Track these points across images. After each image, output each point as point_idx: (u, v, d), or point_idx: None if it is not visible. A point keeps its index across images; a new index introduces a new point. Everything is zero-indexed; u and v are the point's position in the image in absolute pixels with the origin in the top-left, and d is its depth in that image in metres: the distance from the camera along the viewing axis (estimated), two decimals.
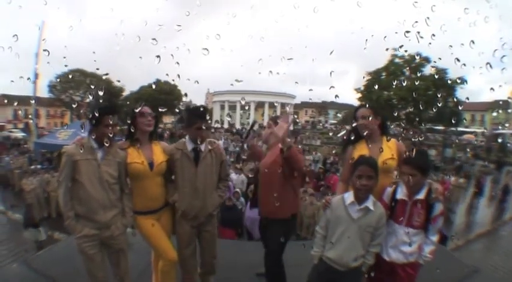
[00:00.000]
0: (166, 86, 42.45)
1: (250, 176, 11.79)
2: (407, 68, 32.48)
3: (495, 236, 12.38)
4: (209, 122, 3.53)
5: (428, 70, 31.04)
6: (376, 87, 34.04)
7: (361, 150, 3.26)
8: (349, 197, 2.92)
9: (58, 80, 41.22)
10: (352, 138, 3.42)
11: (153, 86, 45.11)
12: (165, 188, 3.48)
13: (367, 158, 2.94)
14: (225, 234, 8.32)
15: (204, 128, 3.37)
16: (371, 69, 35.01)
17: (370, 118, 3.25)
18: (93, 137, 3.03)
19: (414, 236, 2.91)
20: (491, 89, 3.27)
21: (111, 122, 3.00)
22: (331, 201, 3.03)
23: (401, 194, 2.95)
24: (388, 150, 3.23)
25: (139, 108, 3.31)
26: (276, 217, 3.57)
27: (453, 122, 30.38)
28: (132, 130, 3.34)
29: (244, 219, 9.00)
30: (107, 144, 3.01)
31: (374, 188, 2.84)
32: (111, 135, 3.01)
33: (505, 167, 23.04)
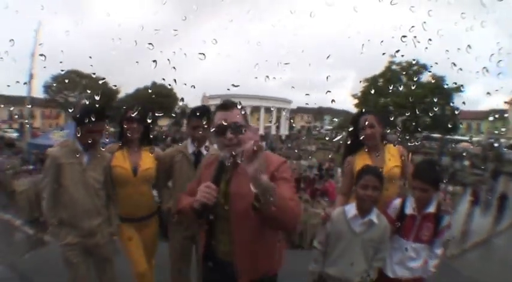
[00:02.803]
0: (163, 89, 42.35)
1: None
2: (405, 75, 32.57)
3: (491, 245, 12.32)
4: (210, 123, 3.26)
5: (426, 77, 31.18)
6: (373, 91, 34.15)
7: (363, 160, 3.06)
8: (351, 209, 2.73)
9: (53, 81, 41.28)
10: (349, 145, 3.25)
11: (149, 90, 44.99)
12: (151, 197, 3.31)
13: (372, 168, 2.75)
14: None
15: (199, 127, 3.13)
16: (368, 76, 35.03)
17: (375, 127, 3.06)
18: (79, 140, 2.85)
19: (422, 250, 2.76)
20: (488, 93, 3.17)
21: (94, 128, 2.79)
22: (331, 214, 2.83)
23: (411, 208, 2.76)
24: (392, 158, 3.05)
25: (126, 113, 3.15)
26: (264, 276, 2.19)
27: (450, 128, 30.50)
28: (120, 134, 3.20)
29: None
30: (91, 143, 2.82)
31: (379, 199, 2.66)
32: (90, 141, 2.82)
33: (500, 176, 23.00)
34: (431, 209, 2.72)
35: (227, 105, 2.17)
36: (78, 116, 2.78)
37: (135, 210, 3.20)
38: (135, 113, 3.13)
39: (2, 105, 43.94)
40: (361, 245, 2.66)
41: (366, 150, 3.15)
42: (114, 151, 3.15)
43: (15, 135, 36.19)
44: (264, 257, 2.15)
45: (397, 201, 2.87)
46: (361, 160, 3.08)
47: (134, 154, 3.18)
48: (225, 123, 2.07)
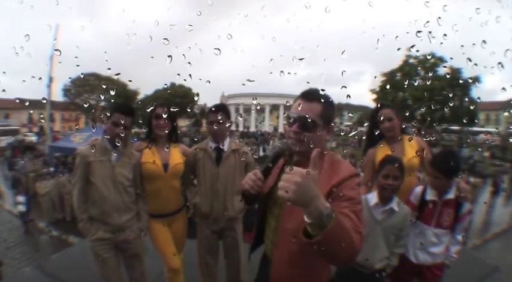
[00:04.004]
0: (181, 89, 42.56)
1: None
2: (422, 68, 32.31)
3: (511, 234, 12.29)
4: (227, 118, 3.29)
5: (442, 70, 30.90)
6: (389, 87, 33.94)
7: (384, 151, 3.17)
8: (373, 198, 2.82)
9: (72, 83, 41.84)
10: (370, 138, 3.37)
11: (168, 90, 45.22)
12: (180, 192, 3.39)
13: (394, 158, 2.82)
14: (251, 238, 8.09)
15: (215, 122, 3.16)
16: (386, 70, 34.81)
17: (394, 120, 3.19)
18: (107, 138, 2.95)
19: (443, 236, 2.83)
20: (503, 88, 3.16)
21: (121, 121, 2.86)
22: None
23: (431, 194, 2.83)
24: (411, 149, 3.16)
25: (153, 109, 3.22)
26: None
27: (467, 120, 30.18)
28: (148, 131, 3.29)
29: None
30: (118, 144, 2.92)
31: (399, 188, 2.74)
32: (121, 135, 2.88)
33: None
34: (451, 195, 2.79)
35: (310, 94, 1.76)
36: (107, 110, 2.88)
37: (165, 206, 3.29)
38: (164, 110, 3.21)
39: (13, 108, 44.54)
40: (382, 232, 2.76)
41: (386, 142, 3.27)
42: (142, 149, 3.22)
43: (34, 138, 36.80)
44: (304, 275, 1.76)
45: (419, 188, 2.95)
46: (382, 151, 3.19)
47: (163, 150, 3.25)
48: (296, 115, 1.72)
